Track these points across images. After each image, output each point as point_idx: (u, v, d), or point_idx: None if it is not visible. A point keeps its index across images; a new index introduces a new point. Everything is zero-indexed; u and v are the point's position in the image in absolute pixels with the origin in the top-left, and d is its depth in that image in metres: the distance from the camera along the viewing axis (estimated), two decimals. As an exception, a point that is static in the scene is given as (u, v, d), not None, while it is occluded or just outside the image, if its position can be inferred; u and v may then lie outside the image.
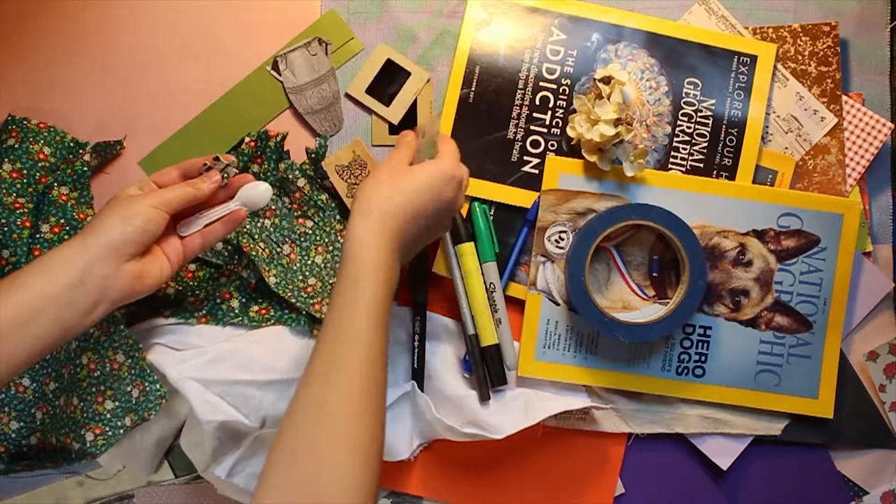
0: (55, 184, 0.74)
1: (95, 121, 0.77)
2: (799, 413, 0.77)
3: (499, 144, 0.77)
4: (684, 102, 0.78)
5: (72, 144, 0.75)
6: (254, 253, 0.73)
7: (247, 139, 0.75)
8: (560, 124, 0.77)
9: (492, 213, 0.77)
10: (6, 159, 0.73)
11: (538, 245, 0.76)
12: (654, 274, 0.77)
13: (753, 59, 0.78)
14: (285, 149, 0.77)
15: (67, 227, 0.73)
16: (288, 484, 0.50)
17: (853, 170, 0.79)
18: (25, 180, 0.73)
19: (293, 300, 0.73)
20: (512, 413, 0.75)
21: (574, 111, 0.76)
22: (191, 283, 0.76)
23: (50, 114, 0.76)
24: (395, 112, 0.79)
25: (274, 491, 0.50)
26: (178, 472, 0.77)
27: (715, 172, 0.77)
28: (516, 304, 0.77)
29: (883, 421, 0.79)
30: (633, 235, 0.77)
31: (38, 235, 0.72)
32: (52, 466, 0.75)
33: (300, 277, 0.76)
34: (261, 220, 0.76)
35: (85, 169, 0.75)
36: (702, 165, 0.77)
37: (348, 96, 0.79)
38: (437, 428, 0.74)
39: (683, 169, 0.77)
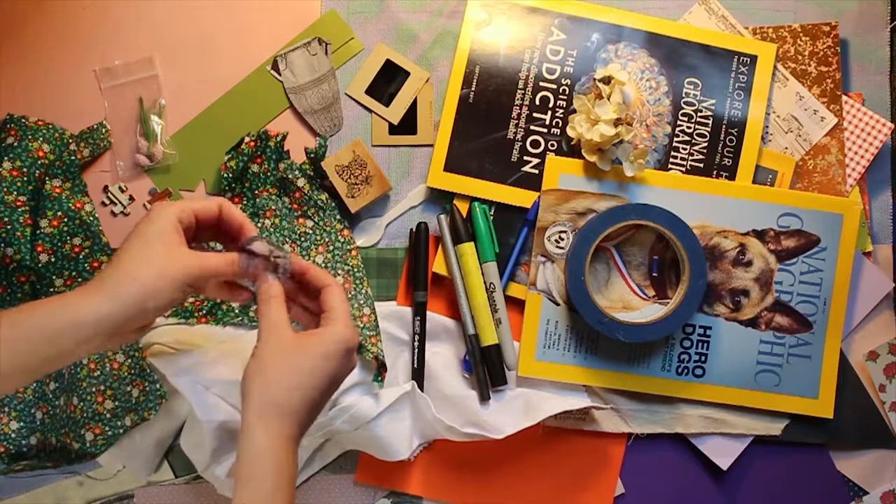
0: (47, 178, 0.74)
1: (95, 121, 0.77)
2: (799, 413, 0.77)
3: (499, 144, 0.77)
4: (684, 102, 0.78)
5: (70, 141, 0.75)
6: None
7: (247, 139, 0.75)
8: (560, 124, 0.77)
9: (492, 213, 0.77)
10: (6, 158, 0.73)
11: (538, 245, 0.76)
12: (654, 274, 0.77)
13: (753, 59, 0.78)
14: (285, 149, 0.77)
15: (66, 220, 0.73)
16: None
17: (853, 170, 0.79)
18: (25, 178, 0.73)
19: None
20: (512, 413, 0.75)
21: (574, 111, 0.76)
22: (191, 282, 0.76)
23: (49, 114, 0.76)
24: (395, 112, 0.79)
25: None
26: (178, 472, 0.77)
27: (715, 172, 0.77)
28: (516, 304, 0.77)
29: (883, 421, 0.79)
30: (633, 235, 0.77)
31: (38, 231, 0.72)
32: (52, 466, 0.75)
33: (300, 277, 0.76)
34: (261, 221, 0.76)
35: (73, 158, 0.75)
36: (702, 165, 0.77)
37: (348, 96, 0.79)
38: (437, 428, 0.74)
39: (683, 169, 0.77)
